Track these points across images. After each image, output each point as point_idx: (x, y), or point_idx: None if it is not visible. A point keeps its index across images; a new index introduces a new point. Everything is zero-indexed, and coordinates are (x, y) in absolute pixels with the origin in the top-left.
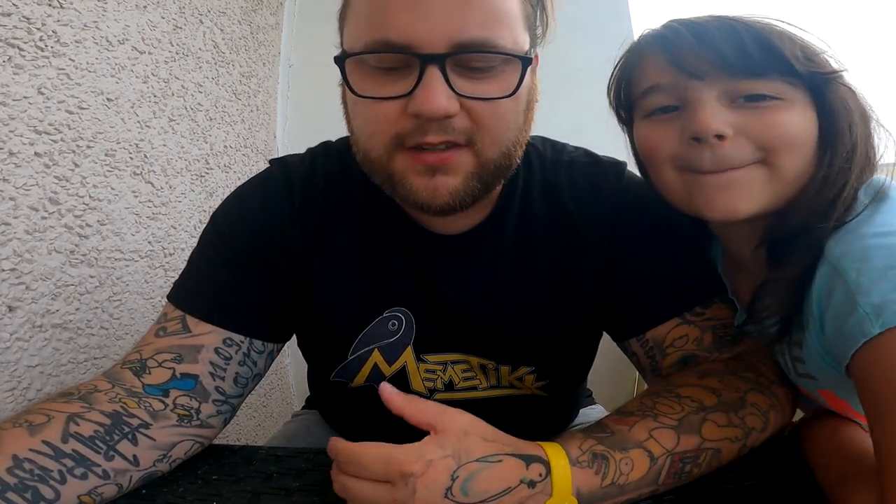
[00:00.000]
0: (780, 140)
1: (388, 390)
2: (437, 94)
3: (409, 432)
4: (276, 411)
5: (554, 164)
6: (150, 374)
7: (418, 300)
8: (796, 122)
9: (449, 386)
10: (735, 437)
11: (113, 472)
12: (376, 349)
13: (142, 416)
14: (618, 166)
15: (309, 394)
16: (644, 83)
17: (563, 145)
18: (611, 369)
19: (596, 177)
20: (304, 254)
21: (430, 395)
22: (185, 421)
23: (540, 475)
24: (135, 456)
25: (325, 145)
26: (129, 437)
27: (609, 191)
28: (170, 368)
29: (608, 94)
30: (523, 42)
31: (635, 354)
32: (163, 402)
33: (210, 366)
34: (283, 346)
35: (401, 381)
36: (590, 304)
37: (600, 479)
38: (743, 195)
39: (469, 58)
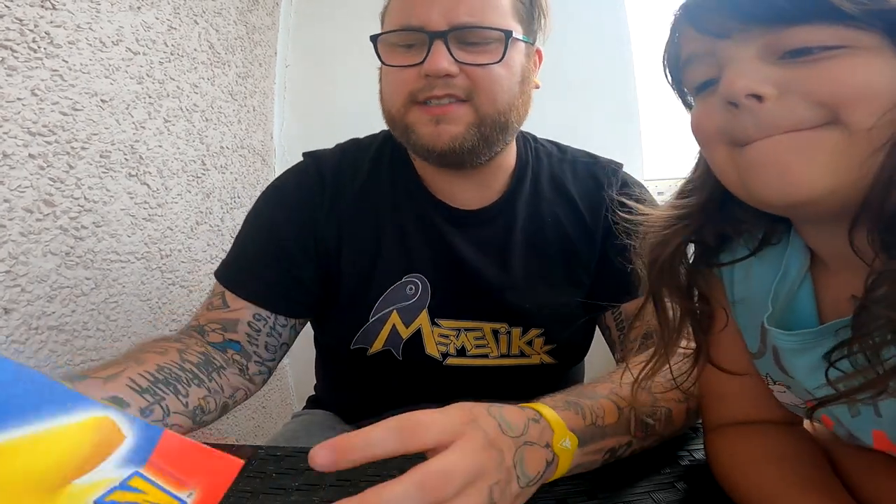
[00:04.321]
0: (844, 93)
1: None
2: (440, 59)
3: (425, 403)
4: (275, 412)
5: (560, 161)
6: (209, 336)
7: (435, 269)
8: (865, 70)
9: (461, 352)
10: (679, 399)
11: (212, 391)
12: (395, 311)
13: (219, 360)
14: (614, 164)
15: (310, 394)
16: (682, 57)
17: (568, 147)
18: (610, 363)
19: (596, 172)
20: (336, 233)
21: (443, 359)
22: (241, 373)
23: (537, 415)
24: (221, 386)
25: (354, 140)
26: (217, 370)
27: (607, 184)
28: (220, 334)
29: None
30: (512, 28)
31: (608, 328)
32: (224, 356)
33: (247, 336)
34: (305, 323)
35: (416, 344)
36: (589, 275)
37: (581, 418)
38: (804, 163)
39: (465, 34)
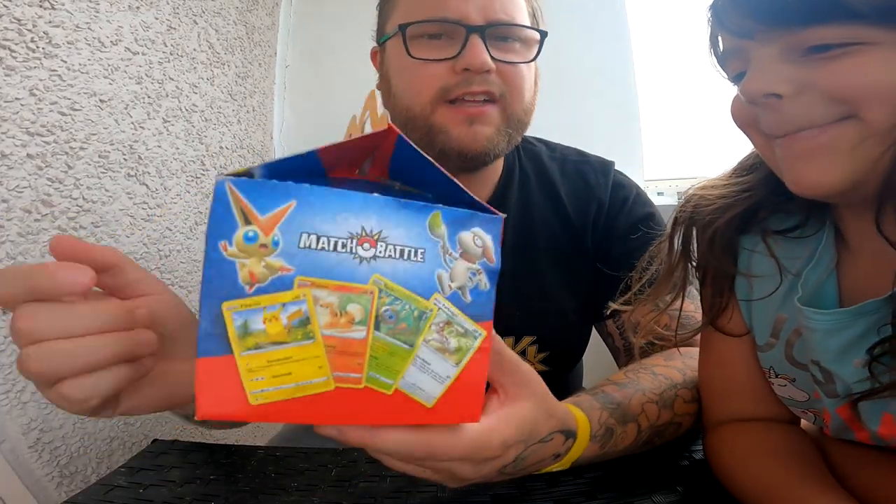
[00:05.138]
0: (859, 89)
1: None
2: (483, 52)
3: None
4: None
5: (549, 158)
6: None
7: None
8: (879, 66)
9: None
10: (692, 413)
11: None
12: None
13: None
14: (605, 164)
15: None
16: (720, 51)
17: (557, 144)
18: (608, 366)
19: (585, 172)
20: None
21: None
22: None
23: (567, 450)
24: None
25: None
26: None
27: (597, 185)
28: None
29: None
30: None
31: (610, 335)
32: None
33: None
34: None
35: None
36: (582, 280)
37: (600, 448)
38: (824, 161)
39: (500, 31)
